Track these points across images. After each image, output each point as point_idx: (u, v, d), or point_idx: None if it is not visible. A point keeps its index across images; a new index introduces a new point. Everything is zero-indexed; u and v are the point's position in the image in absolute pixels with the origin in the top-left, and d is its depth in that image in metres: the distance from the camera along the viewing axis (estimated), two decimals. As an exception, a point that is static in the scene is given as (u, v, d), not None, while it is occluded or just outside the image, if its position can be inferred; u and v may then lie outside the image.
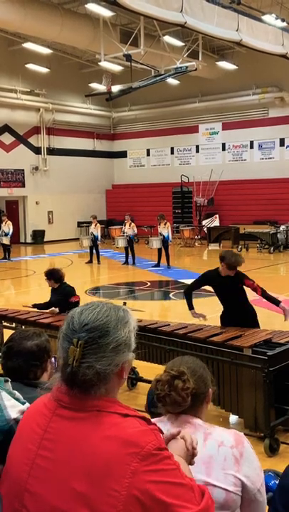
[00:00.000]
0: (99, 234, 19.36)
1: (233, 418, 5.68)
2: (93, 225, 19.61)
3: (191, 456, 1.61)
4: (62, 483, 1.38)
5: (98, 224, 19.90)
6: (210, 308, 11.34)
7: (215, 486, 1.89)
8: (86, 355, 1.43)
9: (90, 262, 19.19)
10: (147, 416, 1.49)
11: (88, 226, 27.38)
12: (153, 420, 1.83)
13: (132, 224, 18.93)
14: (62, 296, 7.20)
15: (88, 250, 19.59)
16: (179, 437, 1.63)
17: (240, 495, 1.92)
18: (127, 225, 18.86)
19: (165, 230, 17.84)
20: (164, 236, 17.68)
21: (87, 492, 1.35)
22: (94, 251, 19.22)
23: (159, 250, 17.81)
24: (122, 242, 18.81)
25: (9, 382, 1.90)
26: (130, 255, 18.66)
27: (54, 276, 7.36)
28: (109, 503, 1.32)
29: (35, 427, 1.49)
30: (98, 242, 19.35)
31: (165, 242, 17.70)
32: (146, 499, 1.32)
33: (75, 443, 1.41)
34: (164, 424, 2.00)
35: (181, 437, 1.63)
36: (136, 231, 18.95)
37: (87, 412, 1.43)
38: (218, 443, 1.97)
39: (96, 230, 19.33)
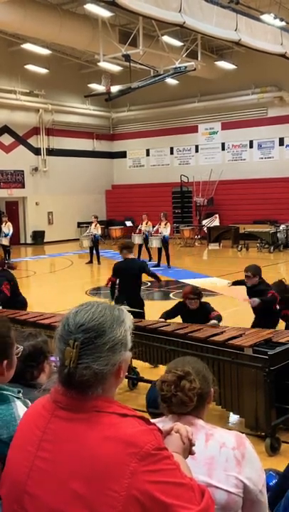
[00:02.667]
0: (99, 234, 19.44)
1: (234, 418, 5.67)
2: (93, 224, 19.66)
3: (188, 448, 1.60)
4: (62, 484, 1.37)
5: (98, 224, 19.95)
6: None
7: (216, 487, 1.88)
8: (83, 356, 1.42)
9: (91, 262, 19.20)
10: (146, 416, 1.48)
11: (88, 227, 27.43)
12: (154, 421, 1.82)
13: (149, 222, 19.17)
14: None
15: (88, 251, 19.60)
16: (173, 432, 1.62)
17: (242, 496, 1.91)
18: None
19: (165, 229, 18.06)
20: (164, 236, 17.83)
21: (86, 493, 1.34)
22: (94, 251, 19.24)
23: (159, 250, 17.90)
24: (138, 239, 18.89)
25: (21, 393, 1.90)
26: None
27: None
28: (109, 503, 1.31)
29: (34, 429, 1.49)
30: (100, 240, 19.42)
31: (165, 241, 17.83)
32: (146, 499, 1.31)
33: (74, 444, 1.40)
34: (166, 425, 2.00)
35: (175, 431, 1.62)
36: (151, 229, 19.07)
37: (86, 413, 1.42)
38: (220, 444, 1.96)
39: (96, 229, 19.37)
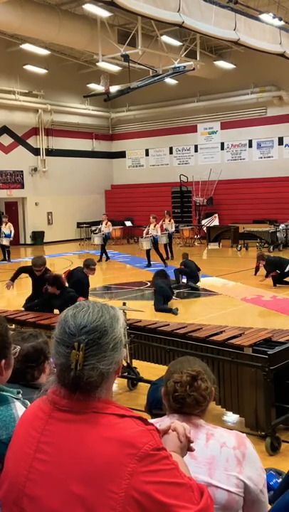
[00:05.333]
0: (110, 232, 19.94)
1: (234, 417, 5.67)
2: (104, 222, 19.96)
3: (186, 447, 1.60)
4: (61, 485, 1.37)
5: (109, 222, 20.26)
6: (210, 308, 11.37)
7: (217, 487, 1.88)
8: (88, 357, 1.42)
9: (107, 259, 19.40)
10: (144, 416, 1.48)
11: (88, 227, 27.44)
12: (152, 421, 1.82)
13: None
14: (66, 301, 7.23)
15: (100, 249, 19.77)
16: (170, 431, 1.62)
17: (243, 496, 1.91)
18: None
19: (170, 226, 19.15)
20: (168, 232, 18.72)
21: (85, 494, 1.34)
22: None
23: (166, 246, 18.65)
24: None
25: (20, 394, 1.90)
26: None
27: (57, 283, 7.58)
28: (108, 504, 1.31)
29: (32, 431, 1.48)
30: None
31: (170, 238, 18.78)
32: (145, 500, 1.31)
33: (73, 445, 1.40)
34: (163, 424, 2.00)
35: (172, 430, 1.62)
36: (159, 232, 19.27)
37: (85, 414, 1.42)
38: (221, 444, 1.96)
39: (107, 227, 19.76)
